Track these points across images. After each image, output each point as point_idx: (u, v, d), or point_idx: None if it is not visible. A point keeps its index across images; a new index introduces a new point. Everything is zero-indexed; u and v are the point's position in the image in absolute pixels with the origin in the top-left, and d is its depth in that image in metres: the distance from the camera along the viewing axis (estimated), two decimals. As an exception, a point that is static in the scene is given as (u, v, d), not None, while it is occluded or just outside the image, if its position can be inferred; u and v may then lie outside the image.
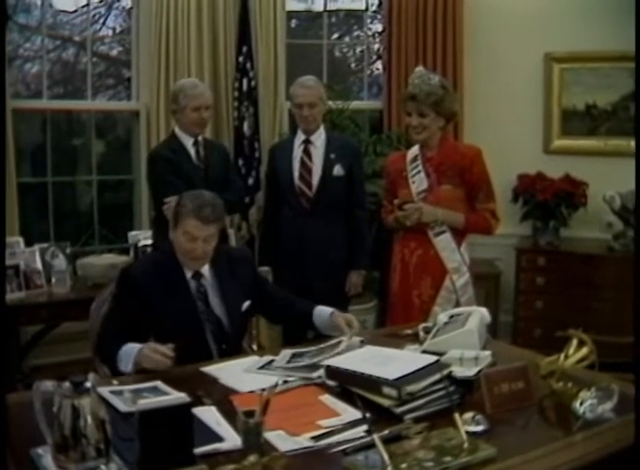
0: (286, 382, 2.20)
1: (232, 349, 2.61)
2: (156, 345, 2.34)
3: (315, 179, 3.70)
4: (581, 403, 1.96)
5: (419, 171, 3.26)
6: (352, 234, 3.76)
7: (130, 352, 2.33)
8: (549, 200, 4.82)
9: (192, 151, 3.65)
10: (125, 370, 2.33)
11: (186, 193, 2.61)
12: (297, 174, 3.71)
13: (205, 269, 2.61)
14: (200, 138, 3.68)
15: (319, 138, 3.76)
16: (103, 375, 2.40)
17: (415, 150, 3.31)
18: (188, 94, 3.56)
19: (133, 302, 2.48)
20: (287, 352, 2.47)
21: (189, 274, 2.58)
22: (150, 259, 2.72)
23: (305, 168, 3.72)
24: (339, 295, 3.76)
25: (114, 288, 2.61)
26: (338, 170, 3.71)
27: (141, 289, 2.49)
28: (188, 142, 3.64)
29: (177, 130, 3.67)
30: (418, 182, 3.25)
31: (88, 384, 1.61)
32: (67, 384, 1.60)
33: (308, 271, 3.69)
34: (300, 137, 3.77)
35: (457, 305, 3.10)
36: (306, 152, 3.74)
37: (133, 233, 4.56)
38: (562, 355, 2.12)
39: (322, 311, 2.68)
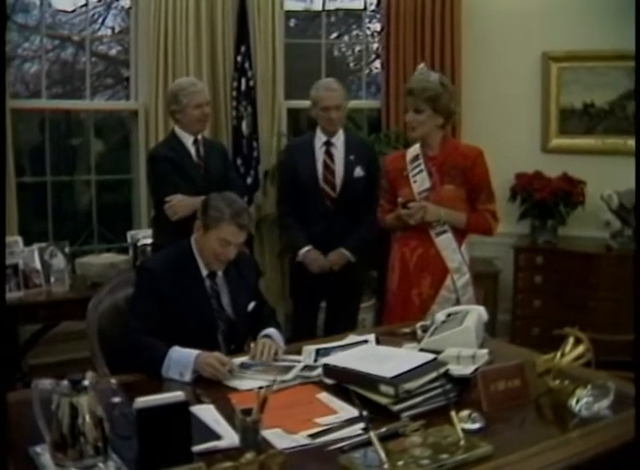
0: (284, 381, 2.22)
1: (239, 349, 2.64)
2: (220, 356, 2.33)
3: (338, 181, 3.78)
4: (577, 401, 1.96)
5: (421, 171, 3.25)
6: (360, 221, 3.79)
7: (184, 363, 2.30)
8: (547, 198, 4.82)
9: (192, 150, 3.66)
10: (180, 379, 2.28)
11: (216, 196, 2.60)
12: (321, 177, 3.79)
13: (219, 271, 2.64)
14: (199, 137, 3.70)
15: (339, 139, 3.84)
16: (101, 374, 2.40)
17: (415, 149, 3.31)
18: (189, 92, 3.59)
19: (153, 296, 2.49)
20: (310, 349, 2.49)
21: (204, 273, 2.61)
22: (167, 255, 2.69)
23: (328, 170, 3.80)
24: (352, 293, 3.93)
25: (134, 285, 2.61)
26: (358, 172, 3.80)
27: (159, 284, 2.51)
28: (188, 141, 3.66)
29: (177, 129, 3.68)
30: (420, 181, 3.25)
31: (86, 382, 1.62)
32: (65, 382, 1.61)
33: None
34: (322, 138, 3.83)
35: (457, 304, 3.09)
36: (328, 153, 3.81)
37: (132, 232, 4.56)
38: (558, 354, 2.13)
39: (262, 332, 2.63)
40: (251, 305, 2.71)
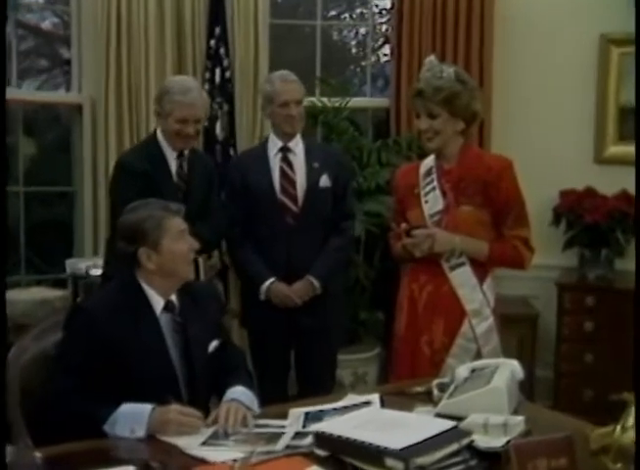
0: (269, 452, 2.20)
1: (204, 398, 2.70)
2: (179, 407, 2.44)
3: (300, 192, 3.81)
4: (648, 493, 1.92)
5: (433, 188, 3.27)
6: (329, 243, 3.85)
7: (136, 416, 2.39)
8: (601, 222, 4.84)
9: (173, 165, 3.67)
10: (130, 435, 2.37)
11: (127, 218, 2.68)
12: (278, 187, 3.81)
13: (175, 299, 2.70)
14: (186, 151, 3.69)
15: (297, 145, 3.88)
16: (22, 445, 2.35)
17: (430, 161, 3.34)
18: (175, 100, 3.54)
19: (91, 344, 2.51)
20: (298, 412, 2.51)
21: (159, 309, 2.65)
22: (109, 293, 2.76)
23: (287, 180, 3.82)
24: (325, 330, 3.89)
25: (64, 330, 2.62)
26: (324, 181, 3.84)
27: (100, 329, 2.52)
28: (171, 154, 3.65)
29: (159, 135, 3.67)
30: (432, 201, 3.27)
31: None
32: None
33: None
34: (276, 144, 3.86)
35: (477, 356, 3.11)
36: (286, 161, 3.85)
37: (71, 261, 4.58)
38: (618, 427, 2.09)
39: (229, 393, 2.65)
40: (213, 345, 2.75)
